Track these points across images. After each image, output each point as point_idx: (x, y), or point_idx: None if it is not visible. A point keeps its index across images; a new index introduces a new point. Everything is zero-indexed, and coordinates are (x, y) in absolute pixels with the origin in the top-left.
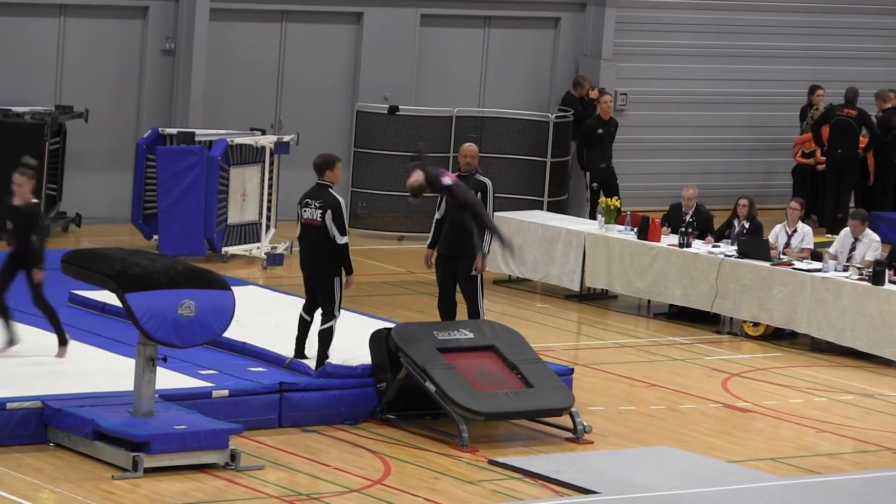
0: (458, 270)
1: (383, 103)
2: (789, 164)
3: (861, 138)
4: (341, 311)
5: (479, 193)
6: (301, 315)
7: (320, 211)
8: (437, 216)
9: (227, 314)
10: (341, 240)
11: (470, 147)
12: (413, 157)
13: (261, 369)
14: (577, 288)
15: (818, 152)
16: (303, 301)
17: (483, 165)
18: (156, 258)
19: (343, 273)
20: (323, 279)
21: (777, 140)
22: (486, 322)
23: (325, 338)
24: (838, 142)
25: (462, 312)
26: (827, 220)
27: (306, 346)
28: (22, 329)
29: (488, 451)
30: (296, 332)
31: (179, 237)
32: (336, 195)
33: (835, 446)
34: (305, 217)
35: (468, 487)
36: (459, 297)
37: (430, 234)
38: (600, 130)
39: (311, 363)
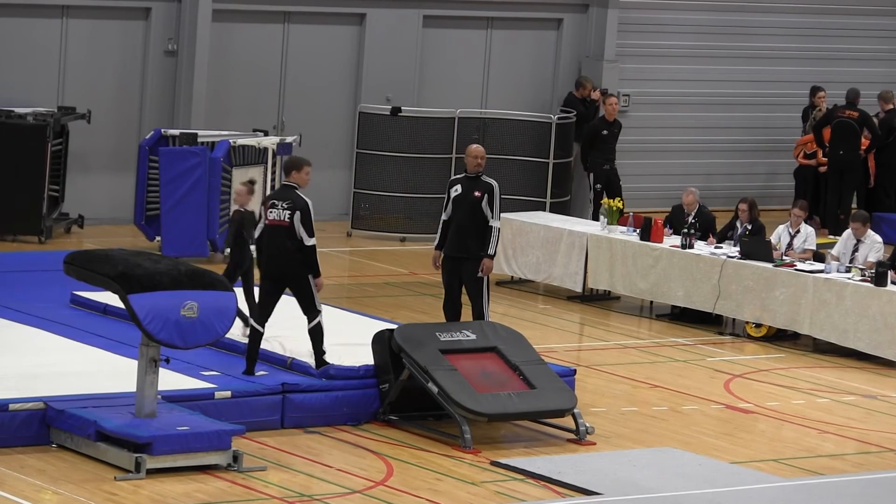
0: (463, 272)
1: (386, 104)
2: (792, 165)
3: (863, 140)
4: (322, 305)
5: (486, 195)
6: (253, 326)
7: (288, 212)
8: (443, 217)
9: (229, 315)
10: (309, 241)
11: (479, 148)
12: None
13: (263, 371)
14: (579, 289)
15: (820, 153)
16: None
17: (486, 166)
18: (158, 259)
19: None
20: (296, 279)
21: (779, 141)
22: (488, 323)
23: (317, 334)
24: (840, 143)
25: (467, 314)
26: (829, 221)
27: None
28: (23, 329)
29: (490, 452)
30: (247, 346)
31: (182, 238)
32: (304, 196)
33: (837, 447)
34: (271, 218)
35: (470, 489)
36: (465, 298)
37: (437, 236)
38: (605, 132)
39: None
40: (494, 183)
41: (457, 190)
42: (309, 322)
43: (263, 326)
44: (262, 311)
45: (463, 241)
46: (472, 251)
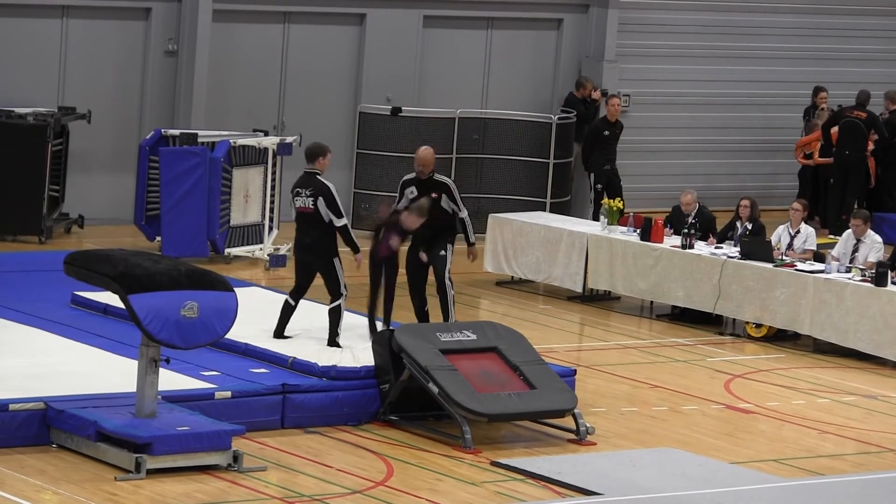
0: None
1: (386, 104)
2: (793, 165)
3: (869, 141)
4: (347, 289)
5: (443, 195)
6: (286, 299)
7: (312, 199)
8: None
9: (229, 315)
10: (339, 222)
11: (427, 150)
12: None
13: (263, 370)
14: (579, 289)
15: (816, 153)
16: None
17: (485, 167)
18: (158, 259)
19: (339, 253)
20: (321, 261)
21: (780, 141)
22: (488, 323)
23: (335, 315)
24: (846, 143)
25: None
26: (831, 221)
27: (286, 327)
28: (23, 329)
29: (491, 452)
30: (278, 315)
31: (182, 238)
32: (324, 181)
33: (837, 448)
34: (298, 206)
35: (471, 489)
36: (434, 297)
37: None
38: (606, 132)
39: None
40: (448, 180)
41: (412, 192)
42: (331, 302)
43: (296, 301)
44: (296, 288)
45: (424, 237)
46: (429, 242)
